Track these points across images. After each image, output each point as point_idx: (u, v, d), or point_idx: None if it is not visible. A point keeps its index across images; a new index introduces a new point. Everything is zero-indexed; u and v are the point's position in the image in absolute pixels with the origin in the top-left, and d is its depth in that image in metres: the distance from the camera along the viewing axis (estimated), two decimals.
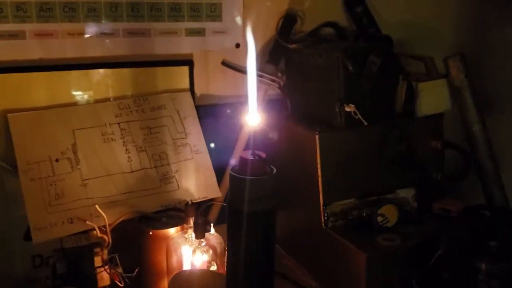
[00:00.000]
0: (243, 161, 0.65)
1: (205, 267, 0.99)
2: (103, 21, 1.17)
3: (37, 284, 1.17)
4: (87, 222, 1.00)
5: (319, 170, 1.18)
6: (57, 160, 1.12)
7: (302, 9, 1.38)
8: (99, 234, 1.00)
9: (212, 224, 1.01)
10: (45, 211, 1.07)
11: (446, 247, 1.06)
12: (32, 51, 1.13)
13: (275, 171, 0.68)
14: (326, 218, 1.19)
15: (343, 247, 1.14)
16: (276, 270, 1.26)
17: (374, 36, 1.34)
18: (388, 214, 1.17)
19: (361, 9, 1.38)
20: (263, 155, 0.67)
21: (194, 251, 0.99)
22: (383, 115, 1.21)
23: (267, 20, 1.33)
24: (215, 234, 1.02)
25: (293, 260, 1.34)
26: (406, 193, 1.27)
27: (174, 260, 1.00)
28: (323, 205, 1.19)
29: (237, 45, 1.32)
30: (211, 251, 0.98)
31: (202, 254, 0.99)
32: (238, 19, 1.31)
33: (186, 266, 1.00)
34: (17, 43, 1.11)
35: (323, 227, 1.19)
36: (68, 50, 1.16)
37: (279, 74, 1.37)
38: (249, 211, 0.63)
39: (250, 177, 0.64)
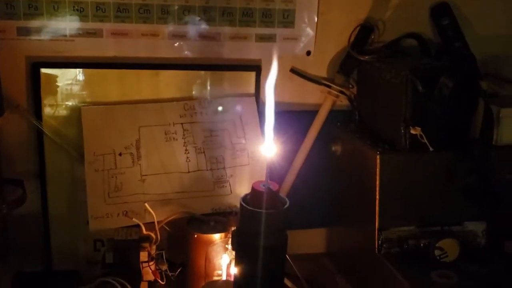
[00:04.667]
0: (256, 193, 0.63)
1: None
2: (175, 24, 1.20)
3: (95, 266, 1.24)
4: (133, 219, 1.05)
5: (377, 193, 1.12)
6: (120, 154, 1.18)
7: (382, 19, 1.31)
8: (144, 231, 1.03)
9: None
10: (104, 202, 1.14)
11: None
12: (108, 49, 1.19)
13: (287, 203, 0.65)
14: (380, 243, 1.13)
15: (391, 276, 1.07)
16: (325, 286, 1.25)
17: (458, 52, 1.23)
18: (448, 248, 1.09)
19: (447, 22, 1.27)
20: (276, 186, 0.64)
21: (231, 262, 0.99)
22: (456, 141, 1.12)
23: (343, 28, 1.28)
24: None
25: (344, 279, 1.30)
26: (476, 227, 1.17)
27: (212, 267, 1.01)
28: (378, 230, 1.13)
29: (308, 53, 1.29)
30: None
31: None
32: (312, 26, 1.28)
33: (223, 276, 1.01)
34: (95, 41, 1.18)
35: (376, 252, 1.13)
36: (140, 49, 1.20)
37: (351, 86, 1.31)
38: (265, 245, 0.61)
39: (267, 211, 0.61)
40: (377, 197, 1.12)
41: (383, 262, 1.11)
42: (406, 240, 1.12)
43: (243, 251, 0.65)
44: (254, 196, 0.63)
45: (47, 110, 1.18)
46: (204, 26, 1.22)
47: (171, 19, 1.20)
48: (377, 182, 1.12)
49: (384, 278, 1.10)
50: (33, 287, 1.19)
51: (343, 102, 1.33)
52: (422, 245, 1.11)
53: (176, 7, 1.19)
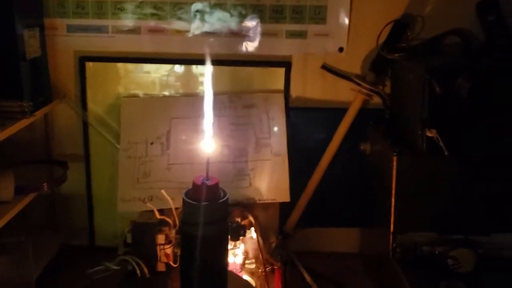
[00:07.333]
0: (196, 186, 0.66)
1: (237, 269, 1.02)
2: (207, 21, 1.25)
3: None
4: (148, 204, 1.12)
5: (393, 195, 1.09)
6: (151, 143, 1.26)
7: (421, 14, 1.25)
8: (158, 216, 1.10)
9: (252, 229, 1.03)
10: (132, 187, 1.23)
11: None
12: (145, 44, 1.27)
13: (227, 196, 0.67)
14: (394, 247, 1.10)
15: (400, 282, 1.04)
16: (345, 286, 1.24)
17: (501, 49, 1.14)
18: (463, 258, 1.03)
19: (493, 18, 1.18)
20: (216, 180, 0.67)
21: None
22: (483, 145, 1.05)
23: (378, 24, 1.24)
24: (255, 239, 1.04)
25: (367, 281, 1.27)
26: (505, 239, 1.09)
27: None
28: (393, 233, 1.10)
29: (340, 49, 1.28)
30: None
31: (235, 256, 1.02)
32: (344, 23, 1.26)
33: None
34: (134, 37, 1.27)
35: (390, 255, 1.10)
36: (175, 46, 1.27)
37: (384, 84, 1.28)
38: (203, 235, 0.64)
39: (204, 203, 0.65)
40: (393, 199, 1.09)
41: (394, 266, 1.08)
42: (420, 246, 1.07)
43: (185, 240, 0.69)
44: (194, 190, 0.67)
45: (91, 100, 1.30)
46: (234, 23, 1.25)
47: (203, 16, 1.25)
48: (393, 184, 1.09)
49: (394, 283, 1.07)
50: (74, 259, 1.32)
51: (377, 100, 1.30)
52: (437, 252, 1.06)
53: (209, 5, 1.24)
